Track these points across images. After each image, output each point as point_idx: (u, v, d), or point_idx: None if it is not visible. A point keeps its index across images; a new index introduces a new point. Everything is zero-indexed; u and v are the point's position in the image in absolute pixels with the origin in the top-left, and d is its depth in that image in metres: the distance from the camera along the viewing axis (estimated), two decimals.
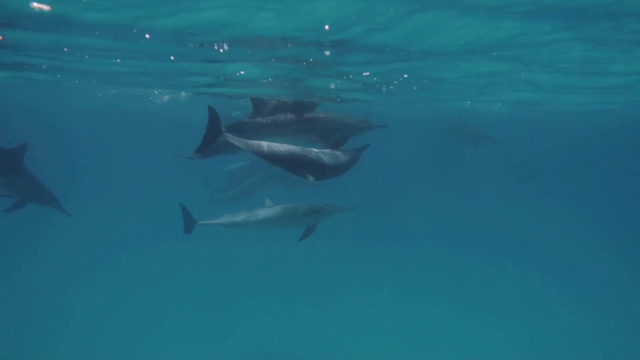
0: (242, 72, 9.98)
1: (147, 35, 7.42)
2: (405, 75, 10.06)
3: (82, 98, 21.39)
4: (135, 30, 7.20)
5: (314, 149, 7.22)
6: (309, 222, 9.00)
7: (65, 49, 8.91)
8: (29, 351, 11.45)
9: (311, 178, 6.89)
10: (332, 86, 10.99)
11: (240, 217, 9.24)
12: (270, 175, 16.67)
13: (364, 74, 9.78)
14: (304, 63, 8.89)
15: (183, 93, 17.03)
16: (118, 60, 9.90)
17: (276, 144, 6.81)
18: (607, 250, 21.42)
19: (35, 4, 5.94)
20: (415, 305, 14.52)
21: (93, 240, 19.39)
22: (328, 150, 7.45)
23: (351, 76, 10.01)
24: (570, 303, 15.39)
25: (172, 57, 8.88)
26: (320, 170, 7.09)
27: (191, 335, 12.53)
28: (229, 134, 6.43)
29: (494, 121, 23.09)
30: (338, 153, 7.48)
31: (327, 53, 8.03)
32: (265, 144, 6.69)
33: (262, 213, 9.19)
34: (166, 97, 17.75)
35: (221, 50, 8.00)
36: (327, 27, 6.64)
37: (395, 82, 10.85)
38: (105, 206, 25.38)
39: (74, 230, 18.91)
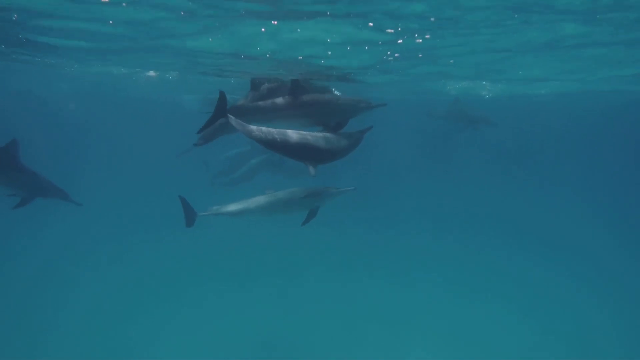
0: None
1: None
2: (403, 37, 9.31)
3: (65, 78, 21.03)
4: None
5: (314, 133, 7.14)
6: (310, 205, 8.93)
7: None
8: (22, 342, 11.33)
9: (312, 169, 6.84)
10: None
11: (241, 205, 9.19)
12: (269, 161, 16.69)
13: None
14: None
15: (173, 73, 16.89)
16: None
17: (275, 130, 6.74)
18: (609, 231, 21.45)
19: None
20: (410, 290, 14.46)
21: (87, 230, 19.14)
22: (329, 133, 7.37)
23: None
24: (573, 284, 15.37)
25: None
26: (321, 154, 7.04)
27: (184, 325, 12.43)
28: (232, 117, 6.45)
29: (488, 106, 23.06)
30: (339, 136, 7.42)
31: None
32: (264, 130, 6.63)
33: (263, 199, 9.17)
34: (151, 73, 17.35)
35: None
36: None
37: (399, 41, 9.72)
38: (101, 195, 25.08)
39: (68, 221, 18.73)
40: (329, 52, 10.69)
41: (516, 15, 7.86)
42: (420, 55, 11.09)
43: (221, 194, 15.48)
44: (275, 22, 8.48)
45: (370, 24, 8.44)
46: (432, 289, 14.59)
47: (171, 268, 15.73)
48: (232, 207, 9.20)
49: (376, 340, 11.94)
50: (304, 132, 7.02)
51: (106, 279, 14.78)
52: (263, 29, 9.14)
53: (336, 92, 11.64)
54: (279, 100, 7.84)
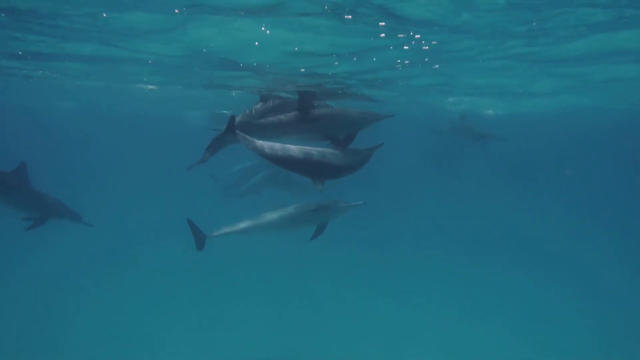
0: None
1: None
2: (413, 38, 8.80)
3: (65, 94, 21.02)
4: None
5: (320, 149, 7.07)
6: (319, 219, 8.78)
7: None
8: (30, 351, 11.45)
9: (319, 185, 6.83)
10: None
11: (249, 223, 9.10)
12: (273, 177, 16.70)
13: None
14: None
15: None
16: None
17: (282, 145, 6.73)
18: (610, 248, 21.17)
19: None
20: (415, 308, 14.27)
21: (96, 242, 18.88)
22: (336, 149, 7.26)
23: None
24: (572, 302, 15.04)
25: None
26: (327, 170, 6.99)
27: (183, 340, 12.35)
28: (239, 133, 6.49)
29: (493, 122, 22.93)
30: (347, 152, 7.31)
31: None
32: (271, 146, 6.62)
33: (271, 215, 9.07)
34: (150, 87, 17.29)
35: None
36: None
37: (405, 47, 9.36)
38: (111, 209, 25.03)
39: (75, 236, 18.52)
40: (335, 62, 10.49)
41: (534, 23, 7.61)
42: (426, 60, 10.73)
43: (228, 208, 15.45)
44: (268, 32, 8.21)
45: (383, 34, 8.23)
46: (434, 306, 14.48)
47: (172, 283, 15.59)
48: (241, 225, 9.11)
49: (378, 357, 11.76)
50: (310, 148, 6.94)
51: (109, 293, 14.75)
52: (257, 43, 8.98)
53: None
54: (287, 115, 7.72)
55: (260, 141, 6.61)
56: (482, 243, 20.84)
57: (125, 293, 14.68)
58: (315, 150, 6.94)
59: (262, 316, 13.52)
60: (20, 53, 11.53)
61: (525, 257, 19.22)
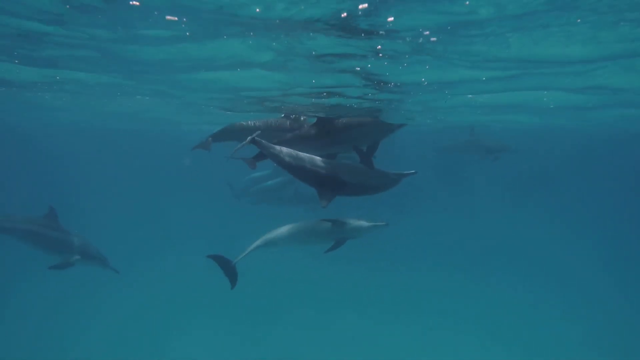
0: None
1: None
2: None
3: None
4: None
5: (337, 162, 7.04)
6: (336, 235, 8.51)
7: None
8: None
9: (324, 201, 6.69)
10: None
11: (268, 237, 8.90)
12: (283, 188, 16.90)
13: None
14: None
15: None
16: None
17: (297, 153, 6.75)
18: (609, 262, 20.80)
19: None
20: (415, 328, 13.99)
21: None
22: (356, 166, 7.22)
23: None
24: (575, 322, 14.58)
25: None
26: (338, 185, 6.84)
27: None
28: (259, 139, 6.63)
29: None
30: (366, 171, 7.18)
31: None
32: (290, 153, 6.66)
33: (289, 228, 8.86)
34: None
35: None
36: None
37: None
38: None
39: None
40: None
41: None
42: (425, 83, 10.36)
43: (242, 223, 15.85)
44: None
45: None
46: (444, 328, 14.19)
47: (182, 300, 15.65)
48: (260, 241, 8.97)
49: None
50: (325, 159, 6.88)
51: (117, 312, 14.81)
52: None
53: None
54: (315, 127, 7.50)
55: (278, 147, 6.67)
56: (482, 260, 20.53)
57: (134, 312, 14.75)
58: (328, 162, 6.84)
59: (272, 336, 13.54)
60: None
61: (526, 277, 18.77)
